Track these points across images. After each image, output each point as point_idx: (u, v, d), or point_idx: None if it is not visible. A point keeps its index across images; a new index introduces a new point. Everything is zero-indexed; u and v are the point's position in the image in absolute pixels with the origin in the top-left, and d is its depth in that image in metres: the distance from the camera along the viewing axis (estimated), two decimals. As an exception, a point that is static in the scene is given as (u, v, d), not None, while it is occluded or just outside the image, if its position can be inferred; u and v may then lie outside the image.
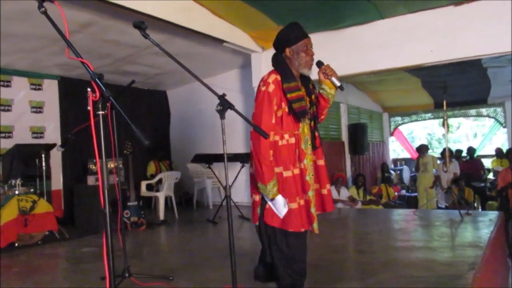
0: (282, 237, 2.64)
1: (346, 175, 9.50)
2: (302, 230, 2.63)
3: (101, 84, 1.38)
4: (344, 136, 10.01)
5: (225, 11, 5.58)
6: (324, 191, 2.82)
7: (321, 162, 2.83)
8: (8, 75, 6.25)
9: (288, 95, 2.61)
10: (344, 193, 7.91)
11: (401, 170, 12.56)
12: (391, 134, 13.49)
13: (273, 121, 2.58)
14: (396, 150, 14.84)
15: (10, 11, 4.31)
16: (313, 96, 2.78)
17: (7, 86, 6.25)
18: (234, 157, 6.65)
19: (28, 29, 4.86)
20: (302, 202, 2.64)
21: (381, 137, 12.98)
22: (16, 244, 4.86)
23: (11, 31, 4.86)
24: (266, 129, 2.48)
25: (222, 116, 2.02)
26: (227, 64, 7.72)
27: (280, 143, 2.61)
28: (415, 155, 10.51)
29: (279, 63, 2.71)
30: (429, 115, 13.18)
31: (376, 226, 5.69)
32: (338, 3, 5.29)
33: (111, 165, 5.92)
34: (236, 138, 7.73)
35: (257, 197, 2.70)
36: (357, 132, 10.10)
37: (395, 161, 13.81)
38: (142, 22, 2.12)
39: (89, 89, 1.40)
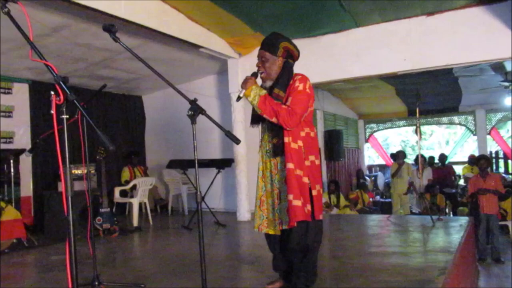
0: None
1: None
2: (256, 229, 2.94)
3: (65, 87, 1.34)
4: (320, 143, 10.09)
5: (201, 17, 5.55)
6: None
7: (288, 166, 2.63)
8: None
9: None
10: (320, 199, 7.94)
11: (375, 176, 12.74)
12: (366, 140, 13.69)
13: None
14: (371, 156, 15.07)
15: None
16: None
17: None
18: (210, 163, 6.60)
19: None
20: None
21: (357, 143, 13.15)
22: (-19, 253, 4.70)
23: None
24: None
25: (193, 121, 2.00)
26: (204, 69, 7.69)
27: None
28: (390, 162, 10.66)
29: None
30: (403, 122, 13.45)
31: (350, 231, 5.74)
32: (314, 11, 5.34)
33: (83, 170, 5.79)
34: (212, 144, 7.69)
35: None
36: (333, 138, 10.21)
37: (370, 167, 14.00)
38: (112, 25, 2.08)
39: (52, 92, 1.36)
